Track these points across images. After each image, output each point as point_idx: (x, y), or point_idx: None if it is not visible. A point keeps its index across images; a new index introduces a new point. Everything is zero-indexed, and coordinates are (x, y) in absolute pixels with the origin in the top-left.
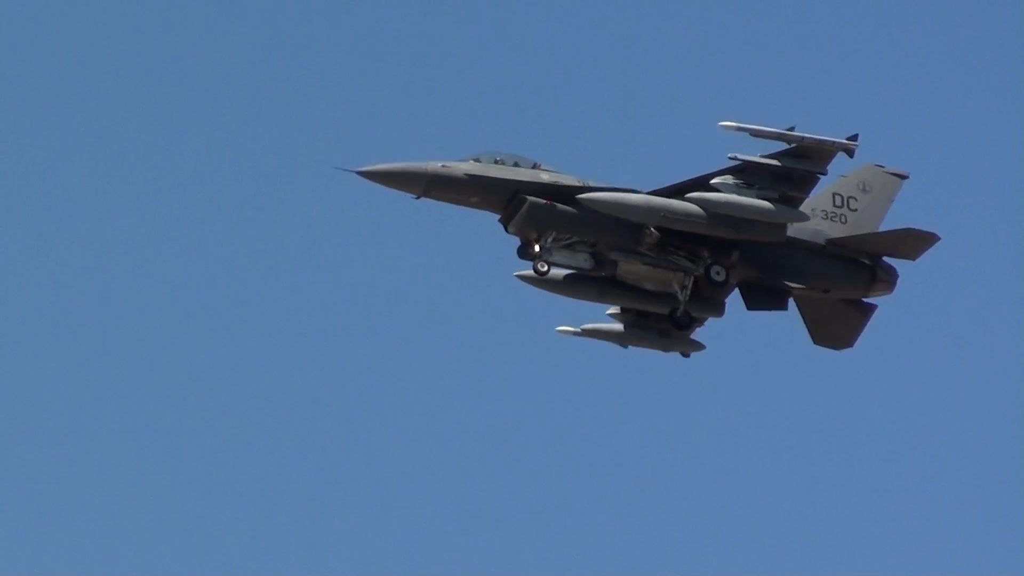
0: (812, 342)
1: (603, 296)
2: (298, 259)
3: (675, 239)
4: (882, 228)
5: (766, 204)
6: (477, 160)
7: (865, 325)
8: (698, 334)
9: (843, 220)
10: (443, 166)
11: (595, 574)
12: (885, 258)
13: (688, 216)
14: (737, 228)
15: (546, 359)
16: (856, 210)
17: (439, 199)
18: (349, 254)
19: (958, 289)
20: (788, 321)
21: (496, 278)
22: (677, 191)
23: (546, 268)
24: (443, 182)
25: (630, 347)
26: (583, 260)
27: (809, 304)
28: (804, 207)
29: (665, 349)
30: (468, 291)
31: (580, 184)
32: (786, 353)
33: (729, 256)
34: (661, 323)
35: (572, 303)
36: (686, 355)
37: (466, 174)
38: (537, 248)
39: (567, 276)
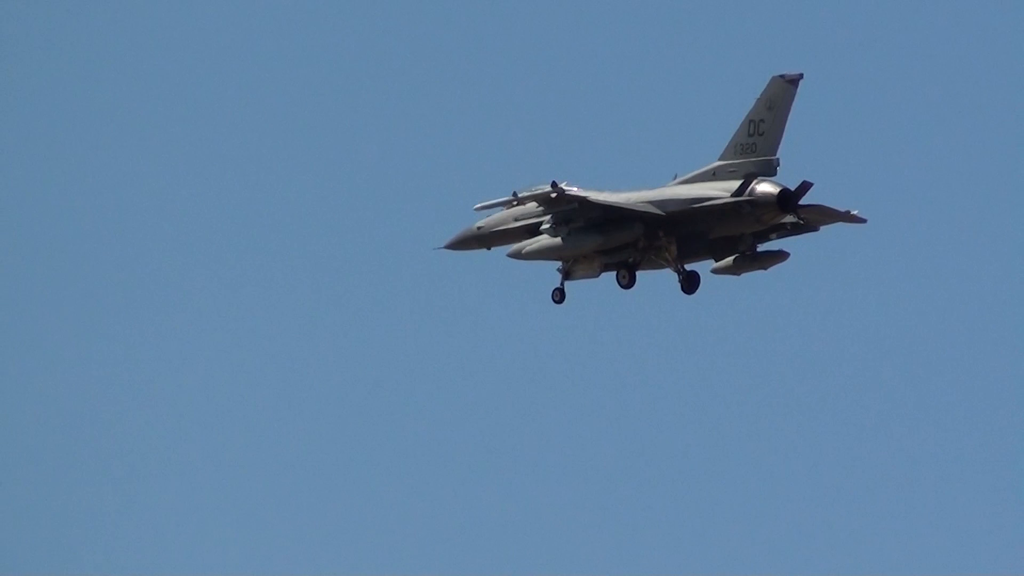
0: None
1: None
2: None
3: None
4: (784, 139)
5: (547, 238)
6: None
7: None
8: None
9: (753, 150)
10: (477, 227)
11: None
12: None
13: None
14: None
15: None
16: (763, 133)
17: (498, 246)
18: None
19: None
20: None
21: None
22: None
23: (559, 297)
24: (483, 238)
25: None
26: (596, 269)
27: None
28: (728, 144)
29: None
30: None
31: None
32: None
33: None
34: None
35: None
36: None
37: (477, 228)
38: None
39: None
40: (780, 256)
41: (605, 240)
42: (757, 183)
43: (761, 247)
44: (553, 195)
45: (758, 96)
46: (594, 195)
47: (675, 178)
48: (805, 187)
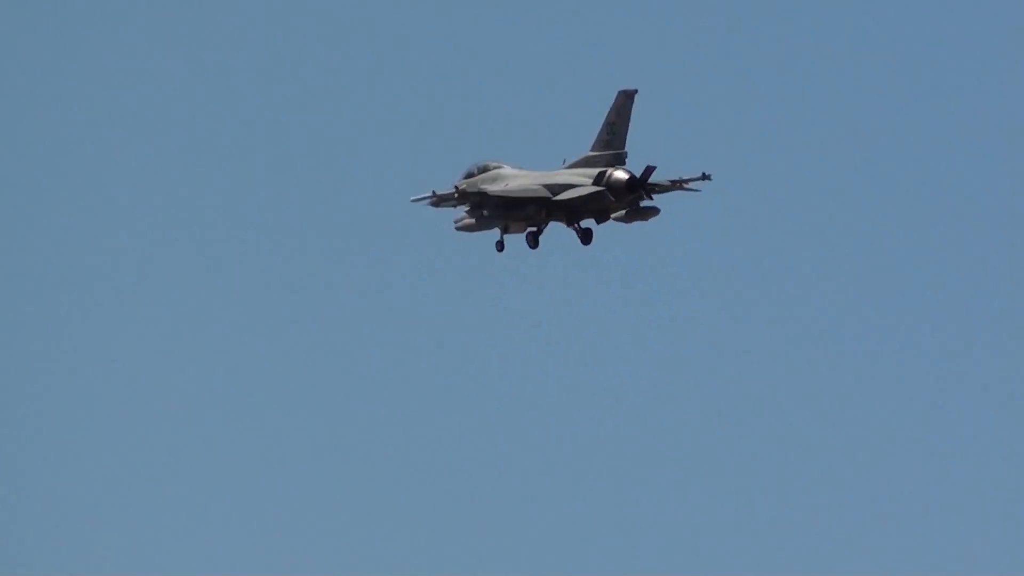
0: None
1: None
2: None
3: None
4: (628, 142)
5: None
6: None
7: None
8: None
9: (610, 144)
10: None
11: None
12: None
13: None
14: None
15: None
16: (615, 133)
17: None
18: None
19: None
20: None
21: None
22: None
23: (500, 248)
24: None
25: None
26: (524, 227)
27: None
28: (596, 139)
29: None
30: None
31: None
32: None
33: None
34: None
35: None
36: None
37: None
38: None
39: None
40: (654, 211)
41: (508, 220)
42: (614, 171)
43: (643, 203)
44: (456, 195)
45: (611, 104)
46: (492, 188)
47: (564, 163)
48: (649, 171)
